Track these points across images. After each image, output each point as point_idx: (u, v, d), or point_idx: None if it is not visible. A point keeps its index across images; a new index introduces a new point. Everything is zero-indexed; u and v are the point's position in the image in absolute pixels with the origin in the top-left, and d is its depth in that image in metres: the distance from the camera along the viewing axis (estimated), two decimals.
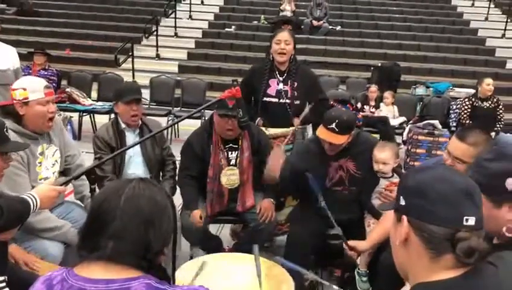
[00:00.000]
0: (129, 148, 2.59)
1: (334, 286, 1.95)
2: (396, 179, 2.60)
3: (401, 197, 1.06)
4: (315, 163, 2.70)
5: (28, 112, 2.28)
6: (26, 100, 2.26)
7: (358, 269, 2.58)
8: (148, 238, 1.05)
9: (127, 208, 1.06)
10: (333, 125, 2.52)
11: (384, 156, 2.59)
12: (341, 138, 2.56)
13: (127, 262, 1.03)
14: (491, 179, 1.29)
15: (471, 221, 0.97)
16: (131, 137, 2.90)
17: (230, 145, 2.95)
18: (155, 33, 10.37)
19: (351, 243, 2.43)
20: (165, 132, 3.31)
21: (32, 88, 2.29)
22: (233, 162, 2.96)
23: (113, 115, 3.25)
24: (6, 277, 1.70)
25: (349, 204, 2.72)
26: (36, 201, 1.80)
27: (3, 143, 1.86)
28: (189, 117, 2.35)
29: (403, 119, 6.55)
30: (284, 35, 3.23)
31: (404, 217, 1.03)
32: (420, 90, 8.34)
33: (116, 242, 1.03)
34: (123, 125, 2.90)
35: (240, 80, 4.37)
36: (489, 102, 5.98)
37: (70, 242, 2.28)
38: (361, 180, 2.69)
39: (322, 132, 2.59)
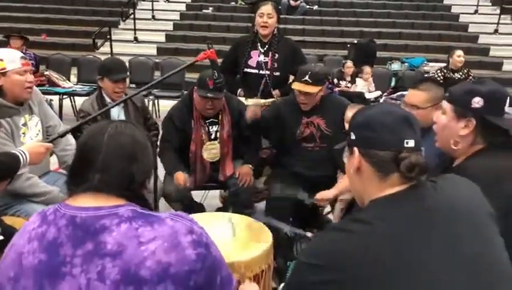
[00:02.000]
0: (112, 107, 2.72)
1: (308, 234, 2.11)
2: None
3: (352, 132, 1.21)
4: (287, 117, 2.90)
5: (6, 82, 2.29)
6: (3, 70, 2.28)
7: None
8: (132, 170, 1.16)
9: (111, 144, 1.16)
10: (306, 77, 2.72)
11: None
12: (314, 88, 2.74)
13: (113, 192, 1.13)
14: (463, 92, 1.58)
15: (411, 143, 1.13)
16: (115, 111, 2.99)
17: (211, 119, 3.04)
18: (132, 16, 10.32)
19: (318, 195, 2.61)
20: None
21: (8, 58, 2.30)
22: (213, 136, 3.05)
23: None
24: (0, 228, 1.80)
25: (321, 161, 2.87)
26: (25, 156, 1.88)
27: None
28: (162, 81, 2.44)
29: (378, 93, 6.75)
30: (267, 8, 3.29)
31: (356, 149, 1.19)
32: (395, 66, 8.55)
33: (102, 174, 1.13)
34: (108, 100, 2.97)
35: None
36: (460, 73, 6.21)
37: None
38: (331, 137, 2.84)
39: (296, 85, 2.78)
